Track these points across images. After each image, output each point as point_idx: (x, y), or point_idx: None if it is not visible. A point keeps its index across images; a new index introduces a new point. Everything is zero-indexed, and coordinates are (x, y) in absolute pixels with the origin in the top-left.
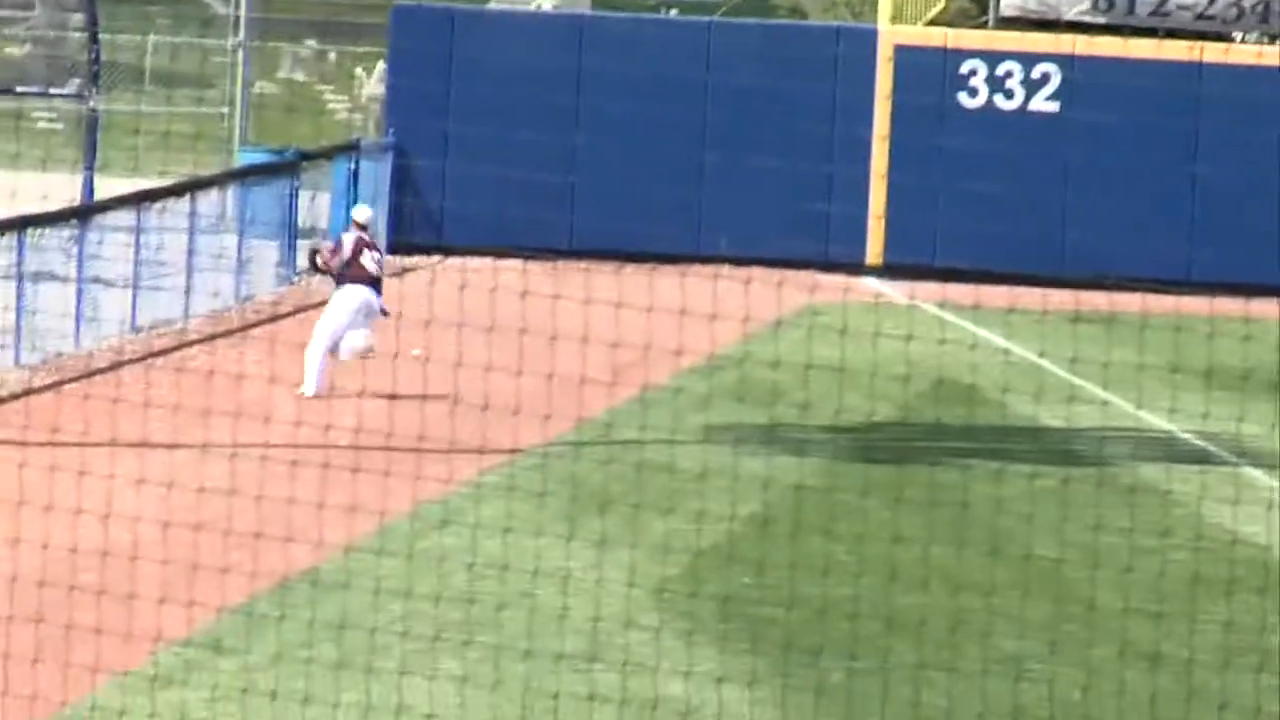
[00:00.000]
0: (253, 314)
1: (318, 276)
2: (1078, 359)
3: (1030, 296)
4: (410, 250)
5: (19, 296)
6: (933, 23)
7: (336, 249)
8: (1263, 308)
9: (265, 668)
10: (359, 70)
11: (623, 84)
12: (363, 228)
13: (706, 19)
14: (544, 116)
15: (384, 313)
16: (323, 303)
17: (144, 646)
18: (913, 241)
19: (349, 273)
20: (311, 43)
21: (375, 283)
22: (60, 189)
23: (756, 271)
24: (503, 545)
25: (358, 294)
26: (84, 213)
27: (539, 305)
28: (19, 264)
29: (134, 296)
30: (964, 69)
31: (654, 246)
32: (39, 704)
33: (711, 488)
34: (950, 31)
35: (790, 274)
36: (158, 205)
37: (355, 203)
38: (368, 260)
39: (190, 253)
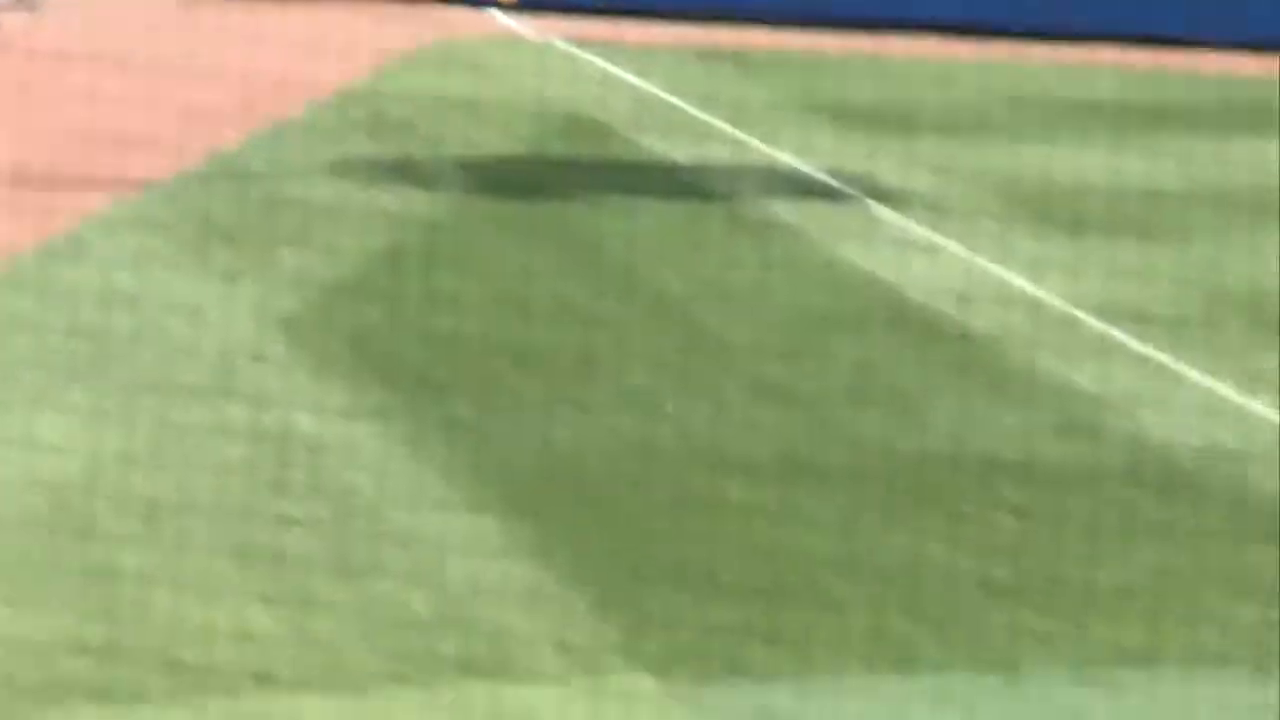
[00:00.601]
0: None
1: None
2: (710, 96)
3: (664, 34)
4: None
5: None
6: None
7: None
8: (898, 45)
9: None
10: None
11: None
12: None
13: None
14: None
15: None
16: None
17: None
18: None
19: None
20: None
21: None
22: None
23: (386, 6)
24: (133, 279)
25: None
26: None
27: (169, 38)
28: None
29: None
30: None
31: None
32: None
33: (343, 222)
34: None
35: (421, 9)
36: None
37: None
38: None
39: None
